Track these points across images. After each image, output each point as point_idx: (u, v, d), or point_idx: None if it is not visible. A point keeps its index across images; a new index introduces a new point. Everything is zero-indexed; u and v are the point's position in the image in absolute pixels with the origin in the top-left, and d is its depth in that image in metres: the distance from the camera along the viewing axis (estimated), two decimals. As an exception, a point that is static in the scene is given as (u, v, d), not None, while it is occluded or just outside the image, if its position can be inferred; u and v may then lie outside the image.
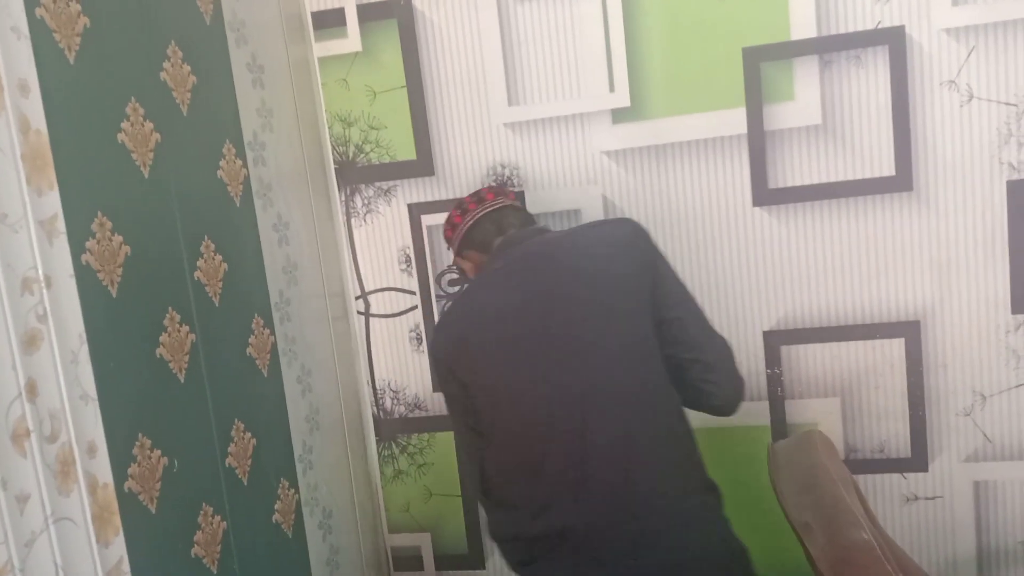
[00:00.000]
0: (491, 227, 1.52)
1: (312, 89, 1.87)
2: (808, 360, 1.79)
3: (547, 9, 1.78)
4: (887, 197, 1.70)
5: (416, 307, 1.94)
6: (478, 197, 1.57)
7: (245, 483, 1.45)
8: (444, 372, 1.42)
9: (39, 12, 1.09)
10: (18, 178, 1.03)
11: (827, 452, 1.38)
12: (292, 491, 1.61)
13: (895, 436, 1.79)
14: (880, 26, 1.65)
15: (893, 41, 1.65)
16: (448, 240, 1.61)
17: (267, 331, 1.56)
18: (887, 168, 1.70)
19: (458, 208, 1.58)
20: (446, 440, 1.96)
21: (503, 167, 1.86)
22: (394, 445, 2.00)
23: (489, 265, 1.48)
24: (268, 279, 1.58)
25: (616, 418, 1.32)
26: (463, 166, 1.88)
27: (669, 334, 1.37)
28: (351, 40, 1.86)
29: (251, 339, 1.50)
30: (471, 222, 1.54)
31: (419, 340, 1.95)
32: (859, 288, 1.74)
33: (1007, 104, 1.63)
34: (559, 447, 1.32)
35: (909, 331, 1.73)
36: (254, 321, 1.52)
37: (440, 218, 1.90)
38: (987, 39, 1.62)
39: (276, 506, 1.55)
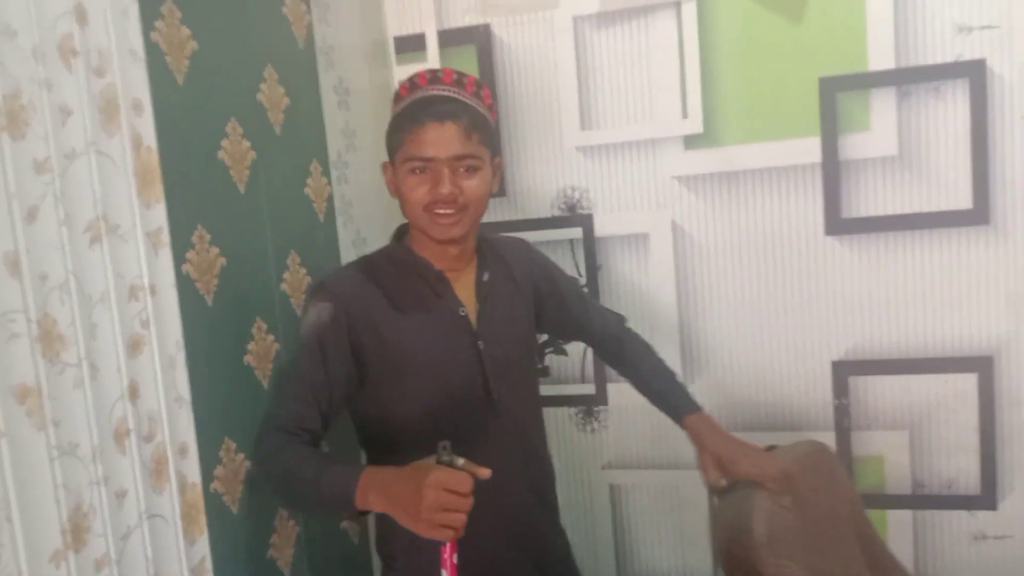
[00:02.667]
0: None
1: (391, 112, 1.93)
2: (877, 392, 1.77)
3: (623, 35, 1.82)
4: (963, 230, 1.69)
5: (484, 324, 1.98)
6: (432, 76, 1.32)
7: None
8: None
9: (154, 36, 1.17)
10: (129, 192, 1.10)
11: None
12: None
13: (964, 472, 1.75)
14: (960, 59, 1.65)
15: (974, 74, 1.64)
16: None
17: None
18: (964, 201, 1.68)
19: (408, 81, 1.34)
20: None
21: (573, 189, 1.90)
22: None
23: None
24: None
25: None
26: (534, 189, 1.91)
27: None
28: (430, 64, 1.92)
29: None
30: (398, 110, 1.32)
31: (486, 357, 1.99)
32: (931, 321, 1.72)
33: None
34: None
35: (982, 366, 1.71)
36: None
37: (510, 238, 1.93)
38: (1071, 73, 1.60)
39: (346, 514, 1.59)
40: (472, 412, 1.29)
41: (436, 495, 1.05)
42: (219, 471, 1.25)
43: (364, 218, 1.73)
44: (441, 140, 1.23)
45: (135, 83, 1.12)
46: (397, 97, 1.33)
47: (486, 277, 1.37)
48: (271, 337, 1.37)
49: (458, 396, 1.30)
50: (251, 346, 1.32)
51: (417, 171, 1.24)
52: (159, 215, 1.14)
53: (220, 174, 1.29)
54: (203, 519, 1.21)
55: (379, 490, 1.11)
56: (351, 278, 1.28)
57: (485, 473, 1.08)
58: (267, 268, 1.38)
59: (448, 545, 1.08)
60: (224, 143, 1.29)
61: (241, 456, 1.29)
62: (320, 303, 1.23)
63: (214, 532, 1.22)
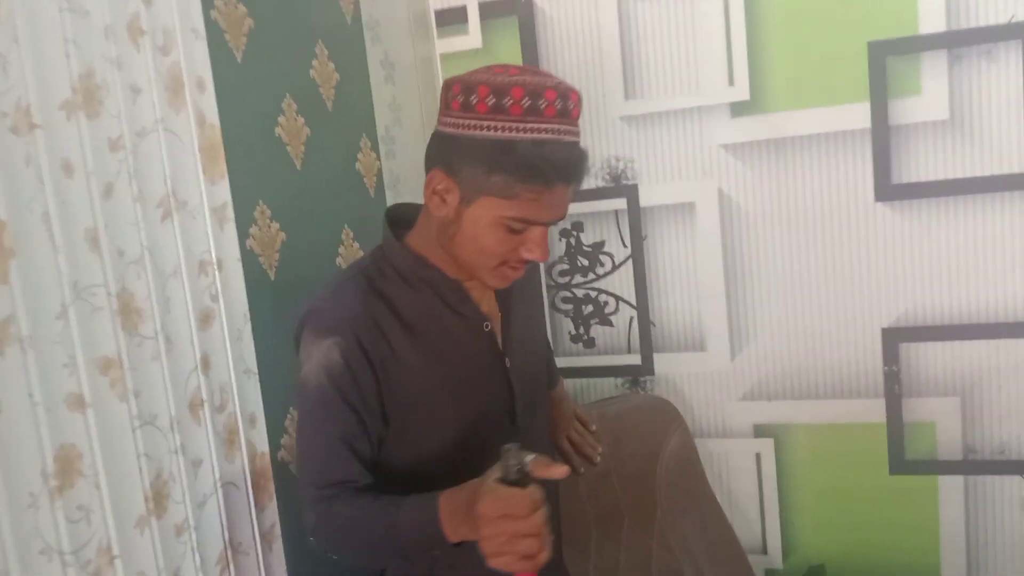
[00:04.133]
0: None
1: (436, 85, 1.93)
2: (928, 358, 1.76)
3: (668, 4, 1.80)
4: (1015, 194, 1.66)
5: (530, 296, 2.00)
6: (562, 106, 1.00)
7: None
8: None
9: (213, 14, 1.18)
10: (196, 168, 1.12)
11: None
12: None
13: (1016, 438, 1.75)
14: (1014, 20, 1.61)
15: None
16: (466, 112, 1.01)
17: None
18: (1016, 165, 1.66)
19: (526, 96, 0.98)
20: (556, 427, 2.01)
21: (618, 160, 1.89)
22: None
23: None
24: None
25: None
26: (578, 159, 1.91)
27: None
28: (472, 37, 1.92)
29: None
30: (544, 137, 0.99)
31: (533, 329, 2.00)
32: (983, 286, 1.71)
33: None
34: None
35: (1036, 332, 1.69)
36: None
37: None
38: None
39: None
40: (496, 443, 1.02)
41: (493, 528, 0.91)
42: (285, 440, 1.28)
43: (412, 193, 1.74)
44: (561, 203, 1.03)
45: (198, 61, 1.14)
46: (499, 110, 0.97)
47: (502, 288, 1.14)
48: (329, 310, 1.39)
49: (484, 427, 1.10)
50: (311, 320, 1.34)
51: (515, 231, 1.02)
52: (223, 191, 1.17)
53: (278, 150, 1.30)
54: (272, 486, 1.24)
55: (464, 515, 0.96)
56: (352, 299, 1.05)
57: (560, 472, 0.94)
58: (324, 243, 1.41)
59: None
60: (281, 120, 1.31)
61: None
62: (324, 338, 1.02)
63: (283, 499, 1.25)
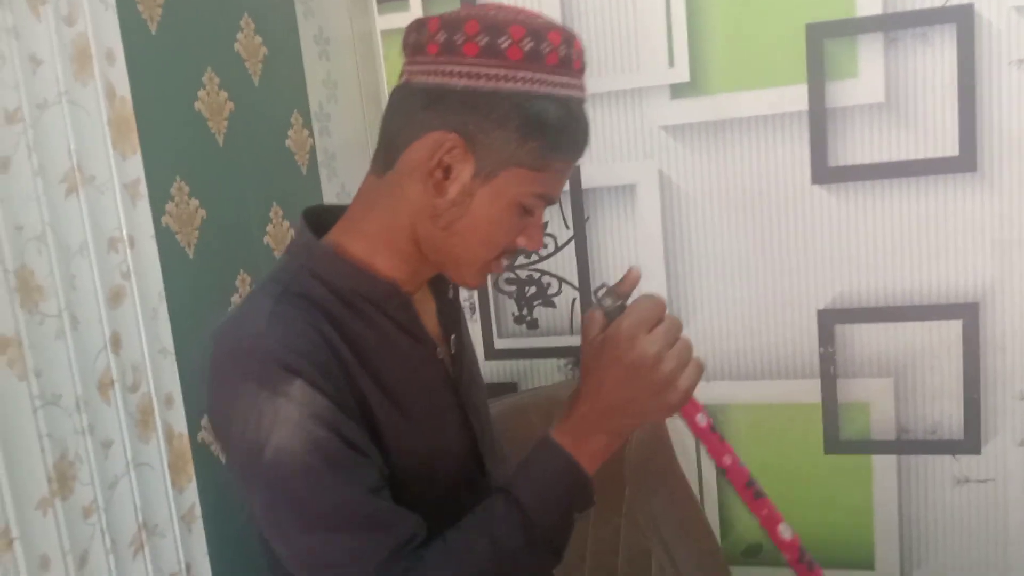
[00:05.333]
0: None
1: (375, 62, 1.91)
2: (862, 340, 1.78)
3: (608, -17, 1.79)
4: (949, 177, 1.68)
5: (471, 277, 1.99)
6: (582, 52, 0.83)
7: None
8: None
9: (124, -17, 1.15)
10: (105, 142, 1.09)
11: None
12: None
13: (948, 418, 1.77)
14: (948, 4, 1.62)
15: (961, 19, 1.62)
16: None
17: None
18: (951, 148, 1.67)
19: (563, 43, 0.80)
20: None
21: (560, 141, 1.88)
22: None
23: None
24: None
25: None
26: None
27: None
28: (413, 13, 1.89)
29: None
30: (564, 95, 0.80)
31: (471, 310, 1.99)
32: (917, 269, 1.73)
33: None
34: None
35: (967, 313, 1.71)
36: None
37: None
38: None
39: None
40: (465, 496, 0.89)
41: (669, 362, 0.74)
42: (205, 421, 1.27)
43: (348, 171, 1.72)
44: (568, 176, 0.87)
45: (106, 32, 1.10)
46: (535, 58, 0.77)
47: (451, 293, 0.97)
48: (255, 289, 1.37)
49: (448, 479, 0.90)
50: (235, 299, 1.32)
51: (527, 213, 0.84)
52: (136, 166, 1.14)
53: (198, 126, 1.28)
54: (191, 468, 1.22)
55: (596, 431, 0.79)
56: (300, 322, 0.79)
57: (635, 276, 0.81)
58: (249, 221, 1.38)
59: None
60: (201, 94, 1.28)
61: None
62: (286, 383, 0.75)
63: (203, 480, 1.23)
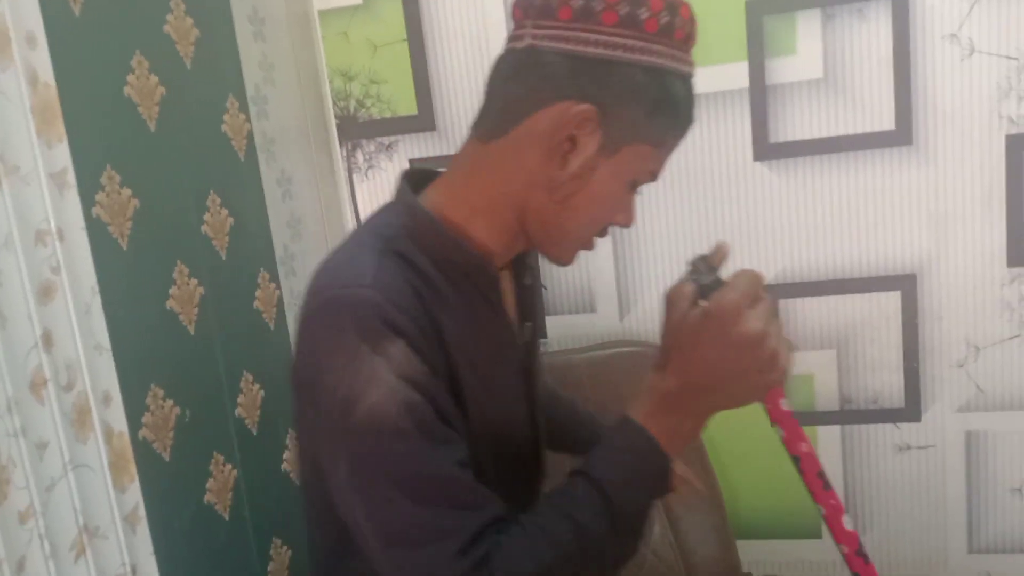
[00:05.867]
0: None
1: (312, 43, 1.86)
2: (805, 313, 1.81)
3: (549, -39, 1.77)
4: (887, 151, 1.71)
5: (418, 262, 1.96)
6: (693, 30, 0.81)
7: (255, 433, 1.48)
8: None
9: (43, -37, 1.09)
10: (28, 131, 1.04)
11: None
12: (300, 441, 1.65)
13: (889, 387, 1.82)
14: (883, -21, 1.65)
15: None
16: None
17: (273, 285, 1.58)
18: (887, 122, 1.70)
19: (677, 14, 0.78)
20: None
21: (504, 122, 1.86)
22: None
23: None
24: (273, 234, 1.59)
25: None
26: (465, 121, 1.88)
27: None
28: (353, -7, 1.85)
29: (257, 293, 1.52)
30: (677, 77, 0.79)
31: (422, 295, 1.97)
32: (857, 242, 1.76)
33: (1008, 58, 1.64)
34: None
35: (906, 284, 1.76)
36: (260, 275, 1.54)
37: (442, 173, 1.90)
38: (990, -8, 1.62)
39: (285, 455, 1.58)
40: (521, 490, 0.88)
41: (772, 339, 0.72)
42: (147, 419, 1.23)
43: (288, 155, 1.67)
44: None
45: (26, 14, 1.05)
46: (667, 32, 0.76)
47: (529, 280, 0.93)
48: (194, 281, 1.32)
49: (511, 473, 0.88)
50: (173, 290, 1.28)
51: (636, 190, 0.83)
52: (62, 155, 1.08)
53: (128, 111, 1.22)
54: (133, 467, 1.18)
55: (683, 412, 0.76)
56: (402, 282, 0.76)
57: (726, 250, 0.79)
58: (186, 209, 1.34)
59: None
60: (130, 78, 1.23)
61: (170, 403, 1.26)
62: (388, 341, 0.72)
63: (146, 480, 1.19)
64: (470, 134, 0.85)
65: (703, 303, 0.74)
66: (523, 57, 0.78)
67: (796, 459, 0.84)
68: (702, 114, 1.76)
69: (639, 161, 0.80)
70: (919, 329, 1.77)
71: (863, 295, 1.78)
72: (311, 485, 0.85)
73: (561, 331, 1.93)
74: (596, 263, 1.89)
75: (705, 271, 0.76)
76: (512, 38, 0.80)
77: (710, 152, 1.78)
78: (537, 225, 0.82)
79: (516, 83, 0.78)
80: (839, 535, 0.83)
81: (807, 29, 1.69)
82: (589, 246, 0.86)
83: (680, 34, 0.77)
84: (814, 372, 1.83)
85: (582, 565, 0.75)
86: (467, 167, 0.83)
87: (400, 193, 0.85)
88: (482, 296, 0.83)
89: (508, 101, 0.79)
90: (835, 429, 1.86)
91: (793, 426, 0.81)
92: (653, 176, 0.83)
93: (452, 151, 1.88)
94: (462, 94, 1.86)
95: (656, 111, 0.77)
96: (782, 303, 1.81)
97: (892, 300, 1.77)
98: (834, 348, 1.82)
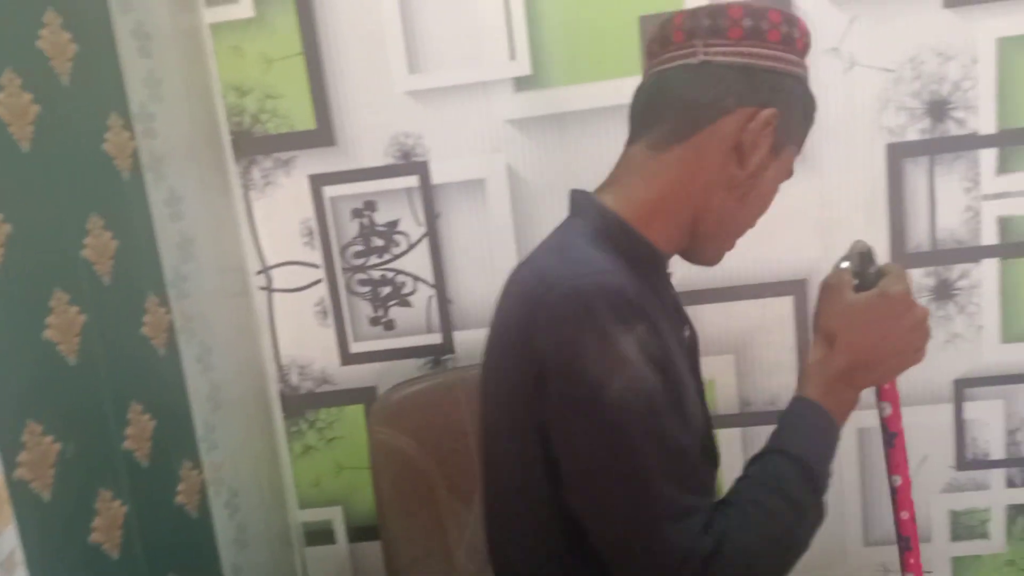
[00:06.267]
0: (629, 123, 1.02)
1: (203, 57, 1.80)
2: (704, 320, 1.86)
3: (445, -25, 1.77)
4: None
5: (320, 281, 1.92)
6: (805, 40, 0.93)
7: (145, 466, 1.41)
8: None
9: None
10: None
11: None
12: (196, 472, 1.58)
13: (786, 389, 1.87)
14: (768, -4, 1.71)
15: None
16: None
17: (163, 309, 1.51)
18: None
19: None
20: (355, 413, 1.96)
21: (407, 136, 1.85)
22: (302, 421, 1.99)
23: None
24: (162, 256, 1.53)
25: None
26: (365, 136, 1.85)
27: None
28: (242, 6, 1.80)
29: (145, 318, 1.45)
30: (800, 84, 0.93)
31: (324, 314, 1.93)
32: (751, 250, 1.80)
33: (886, 71, 1.72)
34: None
35: (797, 289, 1.82)
36: (148, 300, 1.47)
37: (343, 189, 1.87)
38: (869, 7, 1.70)
39: (179, 487, 1.51)
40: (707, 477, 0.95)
41: (928, 326, 0.87)
42: (24, 457, 1.15)
43: (178, 174, 1.61)
44: None
45: None
46: (805, 49, 0.91)
47: (671, 286, 1.04)
48: (75, 308, 1.25)
49: (707, 457, 0.97)
50: (51, 319, 1.21)
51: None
52: (-81, 179, 1.01)
53: (-4, 131, 1.15)
54: (8, 510, 1.11)
55: (849, 386, 0.89)
56: (627, 277, 0.83)
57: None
58: (64, 233, 1.27)
59: None
60: (0, 97, 1.16)
61: (49, 438, 1.19)
62: (635, 324, 0.79)
63: (24, 522, 1.12)
64: (632, 145, 0.97)
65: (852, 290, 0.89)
66: (699, 71, 0.88)
67: (894, 435, 0.99)
68: (602, 127, 1.79)
69: (790, 161, 0.94)
70: (810, 332, 1.83)
71: (758, 300, 1.84)
72: (531, 491, 0.86)
73: (469, 346, 1.93)
74: (502, 276, 1.88)
75: (868, 262, 0.90)
76: (673, 58, 0.91)
77: (609, 165, 1.79)
78: (714, 223, 0.93)
79: (697, 93, 0.89)
80: (907, 504, 1.00)
81: (698, 44, 1.74)
82: (733, 246, 0.99)
83: (801, 45, 0.91)
84: (715, 377, 1.88)
85: (796, 536, 0.84)
86: (638, 173, 0.94)
87: (582, 202, 0.97)
88: (658, 294, 0.93)
89: (688, 110, 0.89)
90: (736, 432, 1.91)
91: (898, 404, 0.96)
92: (791, 175, 0.96)
93: (353, 166, 1.86)
94: (362, 108, 1.83)
95: (805, 117, 0.92)
96: (683, 311, 1.85)
97: (785, 305, 1.83)
98: (732, 353, 1.87)
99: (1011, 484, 1.88)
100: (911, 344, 0.89)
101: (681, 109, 0.90)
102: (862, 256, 0.92)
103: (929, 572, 1.92)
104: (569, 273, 0.83)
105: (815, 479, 0.86)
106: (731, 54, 0.88)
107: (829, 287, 0.92)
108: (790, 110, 0.90)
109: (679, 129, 0.89)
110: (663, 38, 0.92)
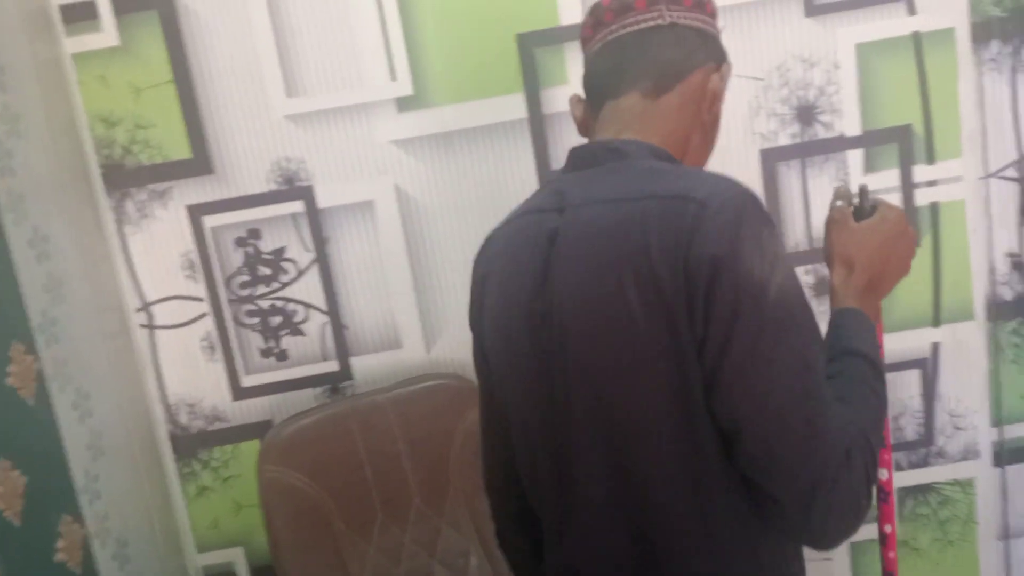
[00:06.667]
0: (599, 82, 1.07)
1: (66, 88, 1.72)
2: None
3: (319, -3, 1.74)
4: (659, 171, 1.81)
5: (205, 315, 1.85)
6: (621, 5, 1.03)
7: (18, 525, 1.32)
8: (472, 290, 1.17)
9: None
10: None
11: None
12: (76, 525, 1.49)
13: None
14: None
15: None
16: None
17: (30, 357, 1.42)
18: (657, 144, 1.80)
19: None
20: (251, 449, 1.89)
21: (289, 160, 1.81)
22: (195, 462, 1.90)
23: (538, 193, 1.16)
24: (26, 300, 1.44)
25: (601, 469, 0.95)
26: (245, 162, 1.80)
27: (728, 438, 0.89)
28: (106, 34, 1.72)
29: (10, 368, 1.37)
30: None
31: (211, 349, 1.86)
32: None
33: (755, 79, 1.79)
34: (543, 467, 1.02)
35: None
36: (12, 347, 1.38)
37: (225, 218, 1.81)
38: (735, 18, 1.76)
39: (58, 544, 1.42)
40: None
41: (915, 235, 1.11)
42: None
43: (42, 212, 1.52)
44: None
45: None
46: (715, 11, 1.10)
47: None
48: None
49: None
50: None
51: None
52: None
53: None
54: None
55: (873, 293, 1.08)
56: None
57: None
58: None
59: None
60: None
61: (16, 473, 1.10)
62: (775, 230, 0.89)
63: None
64: (619, 98, 1.04)
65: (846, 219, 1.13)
66: (670, 31, 1.01)
67: (888, 494, 1.25)
68: (487, 145, 1.80)
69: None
70: (826, 261, 1.87)
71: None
72: (679, 414, 0.87)
73: (367, 371, 1.89)
74: (397, 298, 1.86)
75: (865, 197, 1.13)
76: (639, 21, 1.01)
77: (497, 181, 1.81)
78: (695, 157, 1.06)
79: (674, 50, 1.02)
80: (894, 546, 1.26)
81: (575, 59, 1.76)
82: None
83: (712, 13, 1.08)
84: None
85: (883, 421, 1.00)
86: (651, 116, 1.02)
87: (625, 147, 0.99)
88: None
89: (669, 64, 1.02)
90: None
91: (891, 469, 1.26)
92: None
93: (234, 193, 1.80)
94: (239, 134, 1.78)
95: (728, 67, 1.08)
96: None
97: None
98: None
99: (898, 467, 1.96)
100: (909, 255, 1.11)
101: (663, 63, 1.02)
102: (862, 191, 1.14)
103: (828, 558, 1.98)
104: (716, 189, 0.89)
105: (882, 374, 1.01)
106: (690, 19, 1.02)
107: (834, 221, 1.12)
108: (724, 64, 1.08)
109: (662, 81, 1.02)
110: (623, 5, 1.02)
